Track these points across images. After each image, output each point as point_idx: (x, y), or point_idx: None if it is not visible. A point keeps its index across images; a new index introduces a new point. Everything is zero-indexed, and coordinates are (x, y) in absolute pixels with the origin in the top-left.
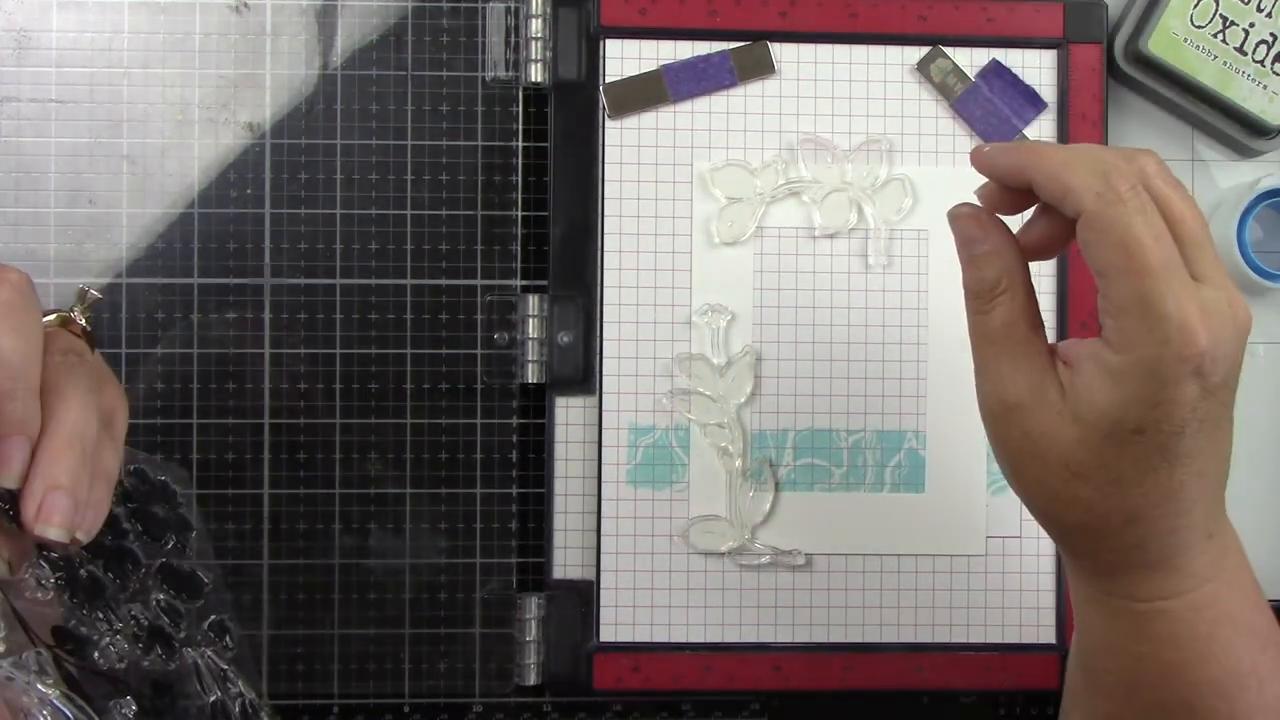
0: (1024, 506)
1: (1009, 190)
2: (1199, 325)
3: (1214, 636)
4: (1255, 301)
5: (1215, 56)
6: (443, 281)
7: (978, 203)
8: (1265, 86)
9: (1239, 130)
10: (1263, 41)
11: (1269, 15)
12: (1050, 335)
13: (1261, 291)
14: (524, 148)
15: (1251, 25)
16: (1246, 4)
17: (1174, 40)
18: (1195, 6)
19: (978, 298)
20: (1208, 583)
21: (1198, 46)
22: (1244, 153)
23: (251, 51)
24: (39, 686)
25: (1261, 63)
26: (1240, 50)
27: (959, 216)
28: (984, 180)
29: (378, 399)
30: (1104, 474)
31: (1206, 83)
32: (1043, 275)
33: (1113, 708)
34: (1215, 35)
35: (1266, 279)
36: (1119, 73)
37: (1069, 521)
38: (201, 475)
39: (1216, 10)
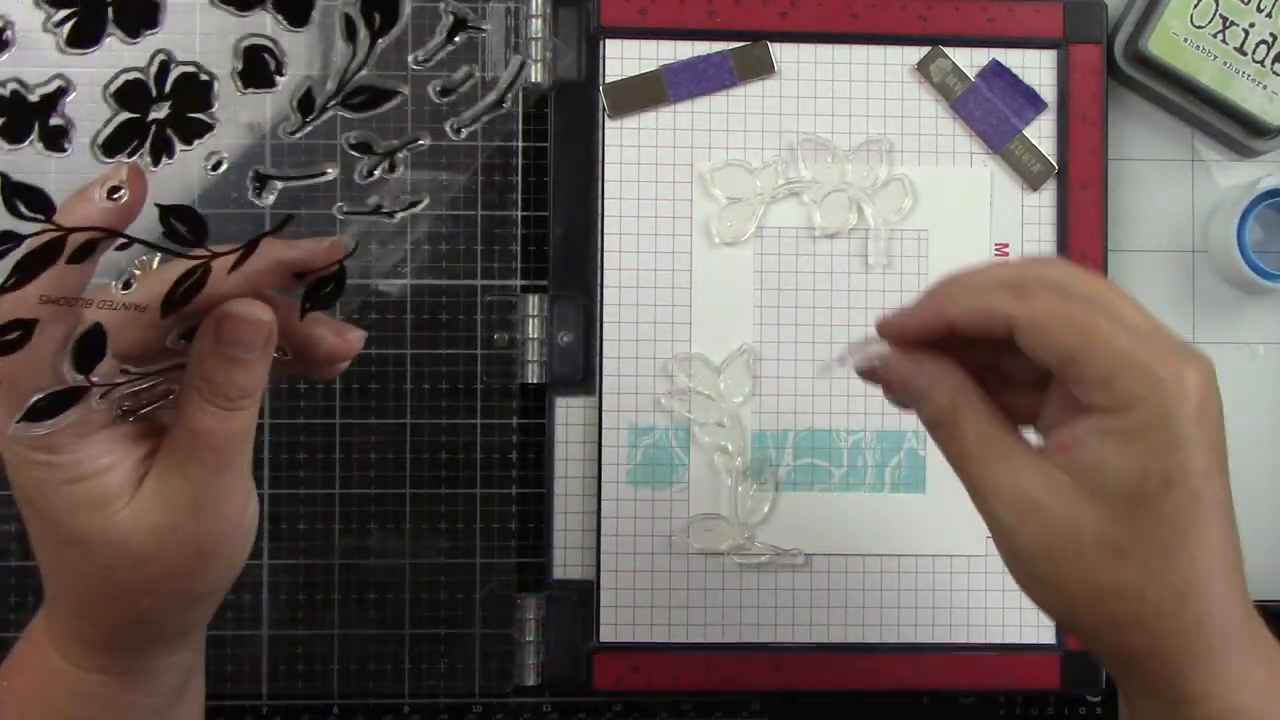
0: (1071, 632)
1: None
2: (1178, 359)
3: None
4: (1255, 301)
5: (1215, 56)
6: (443, 282)
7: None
8: (1265, 86)
9: (1239, 130)
10: (1263, 41)
11: (1269, 15)
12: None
13: (1262, 291)
14: (524, 148)
15: (1251, 25)
16: (1246, 4)
17: (1174, 40)
18: (1195, 6)
19: (941, 426)
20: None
21: (1198, 46)
22: (1244, 153)
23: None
24: None
25: (1261, 63)
26: (1240, 50)
27: (887, 369)
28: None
29: (378, 399)
30: (1144, 546)
31: (1206, 83)
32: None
33: None
34: (1215, 35)
35: (1266, 279)
36: (1119, 73)
37: (1120, 618)
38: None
39: (1216, 10)
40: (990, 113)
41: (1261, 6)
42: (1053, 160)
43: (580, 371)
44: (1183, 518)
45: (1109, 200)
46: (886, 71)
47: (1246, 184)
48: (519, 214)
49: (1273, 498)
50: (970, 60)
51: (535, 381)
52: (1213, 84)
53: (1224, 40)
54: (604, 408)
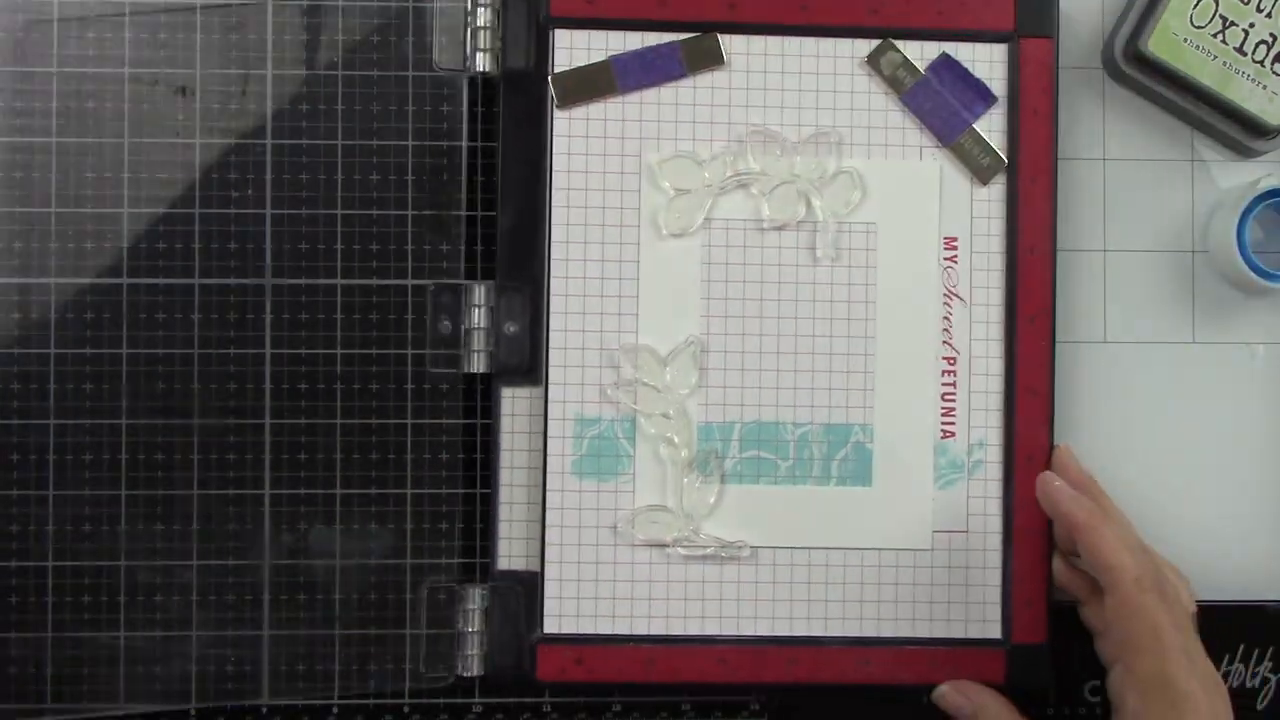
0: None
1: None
2: (1203, 697)
3: None
4: (1255, 301)
5: (1215, 56)
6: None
7: None
8: (1265, 86)
9: (1239, 130)
10: (1263, 41)
11: (1269, 15)
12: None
13: (1262, 291)
14: (471, 137)
15: (1251, 25)
16: (1246, 4)
17: (1174, 40)
18: (1195, 6)
19: None
20: None
21: (1198, 46)
22: (1244, 153)
23: (251, 51)
24: None
25: (1261, 63)
26: (1240, 50)
27: (942, 697)
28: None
29: (379, 398)
30: None
31: (1206, 83)
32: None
33: None
34: (1215, 35)
35: (1266, 279)
36: (1119, 73)
37: None
38: (201, 475)
39: (1216, 10)
40: (940, 106)
41: (1261, 6)
42: (1002, 154)
43: (527, 362)
44: None
45: (1108, 200)
46: (836, 64)
47: (1246, 184)
48: (464, 198)
49: (1271, 497)
50: (921, 53)
51: (481, 371)
52: (1212, 84)
53: (1224, 40)
54: (550, 398)
